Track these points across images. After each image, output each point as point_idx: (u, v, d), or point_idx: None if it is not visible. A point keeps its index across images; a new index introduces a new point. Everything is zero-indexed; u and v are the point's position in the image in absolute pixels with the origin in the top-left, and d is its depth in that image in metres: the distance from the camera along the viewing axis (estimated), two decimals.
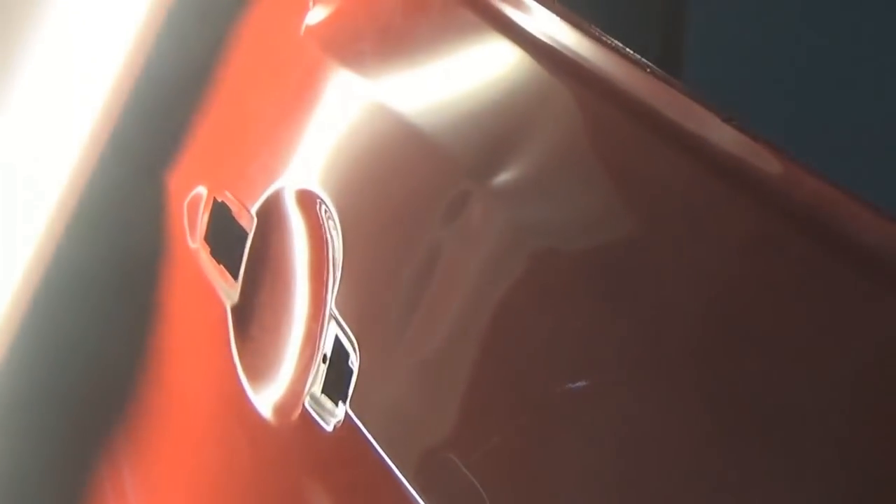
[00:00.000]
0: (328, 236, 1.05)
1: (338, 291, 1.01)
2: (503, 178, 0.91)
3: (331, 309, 1.01)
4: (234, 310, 1.17)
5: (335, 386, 0.99)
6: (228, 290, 1.18)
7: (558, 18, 0.92)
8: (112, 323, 1.43)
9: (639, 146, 0.84)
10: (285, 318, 1.09)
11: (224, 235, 1.23)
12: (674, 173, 0.81)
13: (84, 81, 1.46)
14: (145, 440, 1.39)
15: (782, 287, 0.72)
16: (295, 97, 1.21)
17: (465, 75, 1.01)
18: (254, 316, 1.15)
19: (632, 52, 0.87)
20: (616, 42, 0.88)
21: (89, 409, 1.46)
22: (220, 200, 1.24)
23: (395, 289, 0.97)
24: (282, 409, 1.06)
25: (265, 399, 1.09)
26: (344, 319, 0.99)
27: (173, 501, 1.29)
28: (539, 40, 0.93)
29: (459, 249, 0.91)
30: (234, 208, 1.21)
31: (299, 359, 1.06)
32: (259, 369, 1.11)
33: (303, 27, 1.25)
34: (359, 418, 0.93)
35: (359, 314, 1.00)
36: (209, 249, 1.25)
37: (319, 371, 1.01)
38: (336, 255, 1.03)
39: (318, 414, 0.99)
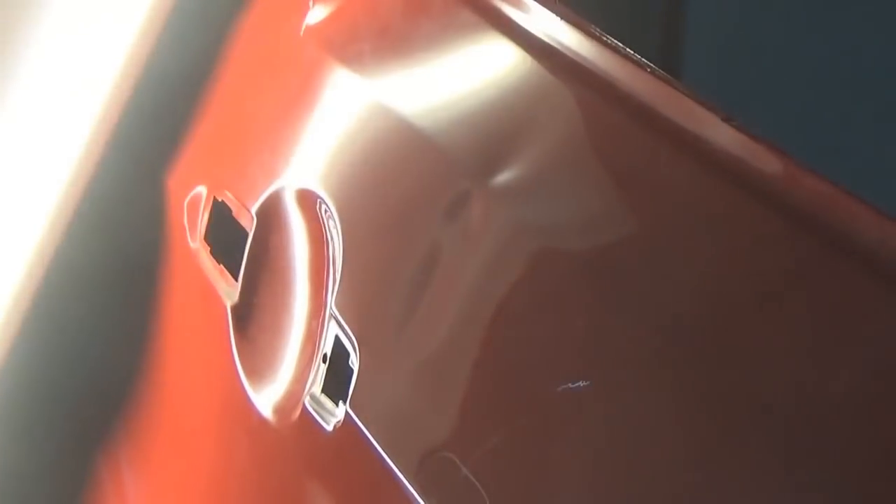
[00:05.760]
0: (328, 236, 1.05)
1: (338, 291, 1.01)
2: (503, 178, 0.91)
3: (331, 309, 1.01)
4: (234, 309, 1.17)
5: (335, 386, 0.99)
6: (228, 290, 1.18)
7: (558, 18, 0.92)
8: (112, 323, 1.43)
9: (639, 146, 0.84)
10: (285, 318, 1.09)
11: (224, 235, 1.23)
12: (674, 173, 0.81)
13: (84, 82, 1.46)
14: (145, 440, 1.39)
15: (782, 287, 0.72)
16: (295, 97, 1.21)
17: (465, 75, 1.01)
18: (254, 316, 1.15)
19: (632, 52, 0.87)
20: (616, 42, 0.88)
21: (89, 408, 1.46)
22: (220, 200, 1.24)
23: (395, 288, 0.97)
24: (282, 409, 1.06)
25: (265, 399, 1.09)
26: (344, 319, 0.99)
27: (173, 501, 1.29)
28: (539, 40, 0.94)
29: (459, 249, 0.91)
30: (234, 208, 1.21)
31: (299, 359, 1.06)
32: (259, 369, 1.12)
33: (303, 27, 1.25)
34: (359, 418, 0.93)
35: (359, 314, 1.00)
36: (209, 249, 1.25)
37: (319, 371, 1.01)
38: (336, 255, 1.03)
39: (318, 414, 0.99)
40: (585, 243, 0.85)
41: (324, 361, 1.01)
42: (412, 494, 0.85)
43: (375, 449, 0.90)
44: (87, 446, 1.49)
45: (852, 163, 0.88)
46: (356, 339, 0.97)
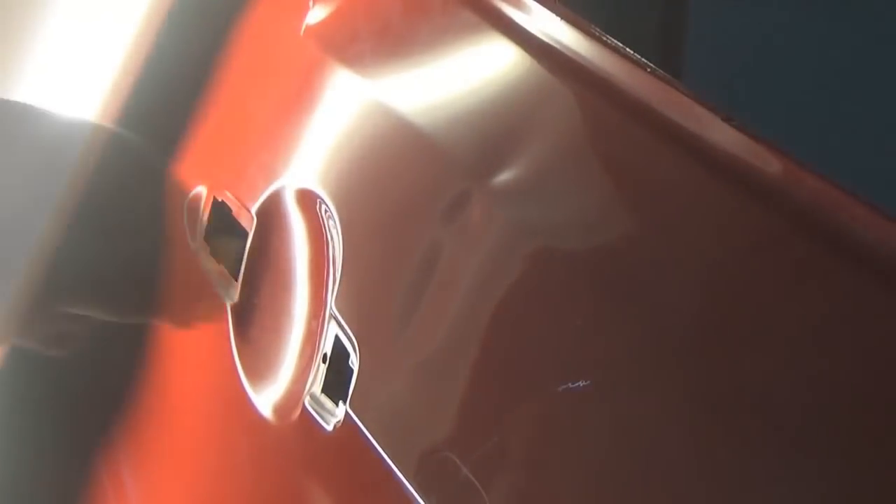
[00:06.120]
0: (328, 236, 1.05)
1: (338, 291, 1.01)
2: (503, 178, 0.91)
3: (331, 309, 1.01)
4: (234, 309, 1.17)
5: (335, 386, 0.99)
6: (228, 290, 1.18)
7: (558, 18, 0.92)
8: (112, 323, 1.43)
9: (639, 146, 0.84)
10: (285, 318, 1.09)
11: (224, 235, 1.23)
12: (674, 173, 0.81)
13: (84, 81, 1.46)
14: (145, 440, 1.39)
15: (782, 287, 0.72)
16: (295, 97, 1.21)
17: (465, 75, 1.01)
18: (254, 316, 1.15)
19: (632, 52, 0.87)
20: (616, 42, 0.88)
21: (89, 408, 1.46)
22: (220, 200, 1.24)
23: (394, 288, 0.97)
24: (282, 408, 1.06)
25: (265, 399, 1.09)
26: (344, 319, 0.99)
27: (173, 501, 1.29)
28: (539, 40, 0.93)
29: (459, 249, 0.91)
30: (234, 208, 1.21)
31: (299, 359, 1.06)
32: (259, 369, 1.11)
33: (303, 27, 1.25)
34: (359, 418, 0.93)
35: (359, 314, 1.00)
36: (209, 249, 1.25)
37: (319, 371, 1.01)
38: (336, 255, 1.03)
39: (318, 414, 0.99)
40: (585, 243, 0.85)
41: (324, 361, 1.01)
42: (412, 494, 0.85)
43: (375, 449, 0.90)
44: (86, 446, 1.48)
45: (852, 163, 0.88)
46: (356, 339, 0.97)
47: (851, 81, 1.05)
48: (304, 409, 1.01)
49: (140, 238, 1.28)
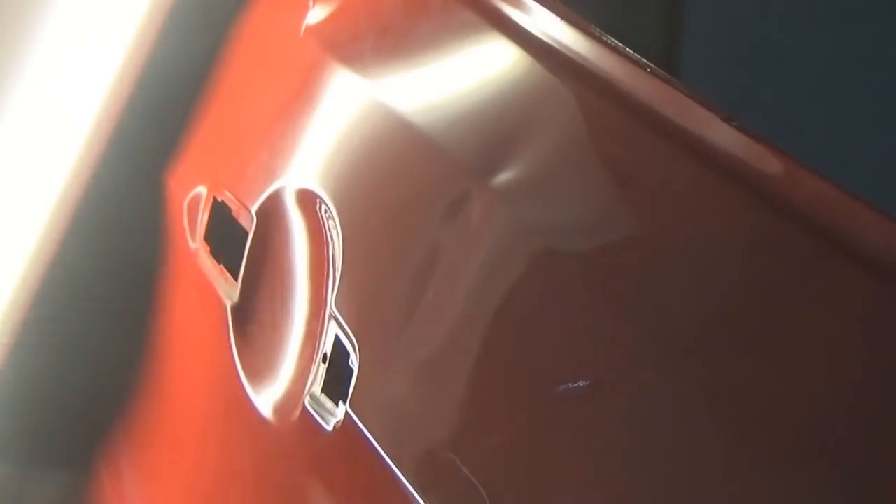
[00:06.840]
0: (328, 236, 1.05)
1: (338, 291, 1.01)
2: (503, 177, 0.91)
3: (331, 309, 1.01)
4: (234, 309, 1.17)
5: (335, 386, 0.99)
6: (228, 290, 1.18)
7: (558, 18, 0.92)
8: (112, 323, 1.43)
9: (639, 146, 0.84)
10: (285, 318, 1.09)
11: (224, 235, 1.23)
12: (674, 173, 0.81)
13: (84, 82, 1.46)
14: (145, 440, 1.39)
15: (782, 287, 0.72)
16: (295, 97, 1.21)
17: (465, 75, 1.01)
18: (254, 316, 1.15)
19: (632, 52, 0.87)
20: (616, 42, 0.88)
21: (89, 408, 1.46)
22: (219, 200, 1.24)
23: (394, 288, 0.97)
24: (282, 408, 1.06)
25: (265, 399, 1.09)
26: (344, 319, 0.99)
27: (173, 501, 1.29)
28: (539, 40, 0.94)
29: (459, 249, 0.91)
30: (234, 208, 1.21)
31: (299, 359, 1.06)
32: (259, 369, 1.12)
33: (303, 27, 1.25)
34: (359, 418, 0.93)
35: (359, 314, 1.00)
36: (209, 249, 1.25)
37: (319, 371, 1.01)
38: (336, 255, 1.03)
39: (318, 414, 0.99)
40: (585, 243, 0.85)
41: (324, 361, 1.01)
42: (412, 494, 0.85)
43: (375, 449, 0.90)
44: (86, 446, 1.48)
45: (852, 163, 0.88)
46: (356, 339, 0.97)
47: (851, 81, 1.04)
48: (304, 409, 1.01)
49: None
